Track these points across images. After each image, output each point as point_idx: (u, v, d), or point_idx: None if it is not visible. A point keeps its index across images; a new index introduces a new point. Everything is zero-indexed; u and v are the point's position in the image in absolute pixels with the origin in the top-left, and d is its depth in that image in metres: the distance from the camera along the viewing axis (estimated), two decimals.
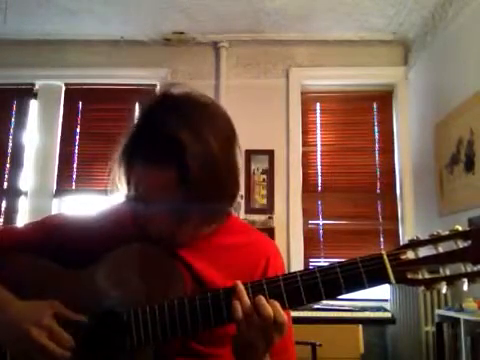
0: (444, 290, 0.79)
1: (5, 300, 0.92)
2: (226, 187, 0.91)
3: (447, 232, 0.80)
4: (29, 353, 0.87)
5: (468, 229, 0.79)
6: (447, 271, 0.80)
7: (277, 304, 0.82)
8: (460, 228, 0.80)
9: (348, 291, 0.83)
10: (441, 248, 0.80)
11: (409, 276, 0.80)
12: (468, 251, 0.78)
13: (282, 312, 0.82)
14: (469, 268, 0.78)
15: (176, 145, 0.84)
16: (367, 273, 0.81)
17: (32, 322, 0.87)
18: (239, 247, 1.00)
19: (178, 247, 0.95)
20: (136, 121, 0.92)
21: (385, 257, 0.81)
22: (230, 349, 0.93)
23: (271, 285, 0.84)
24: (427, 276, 0.80)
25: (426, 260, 0.81)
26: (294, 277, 0.84)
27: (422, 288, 0.80)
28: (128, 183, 0.91)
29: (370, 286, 0.82)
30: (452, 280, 0.79)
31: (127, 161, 0.90)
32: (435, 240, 0.80)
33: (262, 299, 0.82)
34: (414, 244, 0.81)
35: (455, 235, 0.80)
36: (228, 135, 0.93)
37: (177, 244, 0.94)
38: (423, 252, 0.81)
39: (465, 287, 0.78)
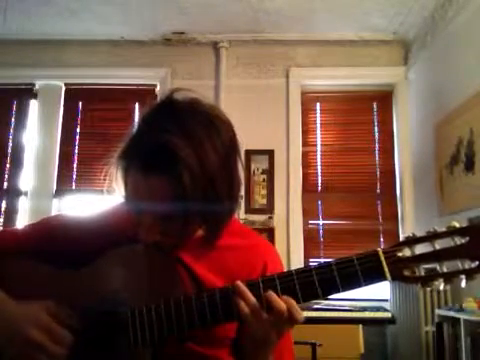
0: (441, 287, 0.78)
1: (1, 302, 0.91)
2: (222, 201, 0.89)
3: (444, 229, 0.80)
4: (28, 353, 0.86)
5: (465, 226, 0.79)
6: (444, 268, 0.79)
7: (290, 299, 0.82)
8: (457, 225, 0.79)
9: (345, 289, 0.82)
10: (438, 245, 0.80)
11: (406, 273, 0.80)
12: (466, 247, 0.78)
13: (297, 307, 0.82)
14: (467, 265, 0.78)
15: (172, 155, 0.83)
16: (363, 270, 0.81)
17: (29, 322, 0.86)
18: (238, 249, 1.00)
19: (171, 249, 0.94)
20: (136, 124, 0.92)
21: (381, 254, 0.81)
22: (229, 351, 0.94)
23: (267, 284, 0.84)
24: (424, 273, 0.79)
25: (423, 257, 0.80)
26: (290, 275, 0.84)
27: (419, 285, 0.79)
28: (125, 185, 0.90)
29: (366, 284, 0.81)
30: (449, 277, 0.78)
31: (124, 164, 0.89)
32: (432, 237, 0.80)
33: (273, 295, 0.82)
34: (410, 241, 0.81)
35: (452, 232, 0.79)
36: (229, 148, 0.91)
37: (168, 248, 0.93)
38: (420, 249, 0.81)
39: (463, 284, 0.78)
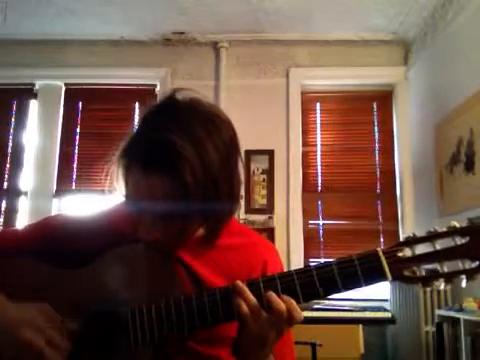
0: (442, 287, 0.78)
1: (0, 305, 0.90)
2: (223, 201, 0.89)
3: (444, 229, 0.80)
4: (23, 354, 0.85)
5: (466, 226, 0.79)
6: (445, 268, 0.79)
7: (290, 300, 0.82)
8: (457, 225, 0.79)
9: (345, 289, 0.82)
10: (438, 245, 0.80)
11: (406, 273, 0.80)
12: (466, 247, 0.78)
13: (297, 307, 0.82)
14: (467, 265, 0.78)
15: (173, 154, 0.83)
16: (364, 271, 0.81)
17: (23, 323, 0.86)
18: (237, 248, 1.00)
19: (171, 249, 0.94)
20: (137, 124, 0.91)
21: (381, 254, 0.81)
22: (229, 350, 0.94)
23: (268, 284, 0.84)
24: (424, 273, 0.79)
25: (423, 257, 0.80)
26: (290, 275, 0.84)
27: (419, 285, 0.79)
28: (126, 184, 0.90)
29: (367, 284, 0.81)
30: (450, 277, 0.78)
31: (125, 163, 0.89)
32: (432, 237, 0.80)
33: (273, 295, 0.82)
34: (411, 241, 0.81)
35: (453, 232, 0.79)
36: (230, 147, 0.91)
37: (168, 247, 0.94)
38: (420, 249, 0.81)
39: (463, 284, 0.78)
